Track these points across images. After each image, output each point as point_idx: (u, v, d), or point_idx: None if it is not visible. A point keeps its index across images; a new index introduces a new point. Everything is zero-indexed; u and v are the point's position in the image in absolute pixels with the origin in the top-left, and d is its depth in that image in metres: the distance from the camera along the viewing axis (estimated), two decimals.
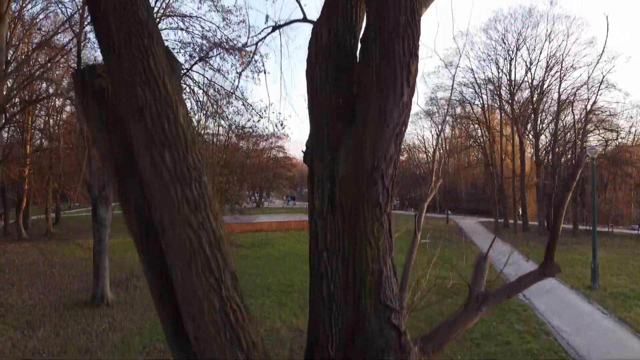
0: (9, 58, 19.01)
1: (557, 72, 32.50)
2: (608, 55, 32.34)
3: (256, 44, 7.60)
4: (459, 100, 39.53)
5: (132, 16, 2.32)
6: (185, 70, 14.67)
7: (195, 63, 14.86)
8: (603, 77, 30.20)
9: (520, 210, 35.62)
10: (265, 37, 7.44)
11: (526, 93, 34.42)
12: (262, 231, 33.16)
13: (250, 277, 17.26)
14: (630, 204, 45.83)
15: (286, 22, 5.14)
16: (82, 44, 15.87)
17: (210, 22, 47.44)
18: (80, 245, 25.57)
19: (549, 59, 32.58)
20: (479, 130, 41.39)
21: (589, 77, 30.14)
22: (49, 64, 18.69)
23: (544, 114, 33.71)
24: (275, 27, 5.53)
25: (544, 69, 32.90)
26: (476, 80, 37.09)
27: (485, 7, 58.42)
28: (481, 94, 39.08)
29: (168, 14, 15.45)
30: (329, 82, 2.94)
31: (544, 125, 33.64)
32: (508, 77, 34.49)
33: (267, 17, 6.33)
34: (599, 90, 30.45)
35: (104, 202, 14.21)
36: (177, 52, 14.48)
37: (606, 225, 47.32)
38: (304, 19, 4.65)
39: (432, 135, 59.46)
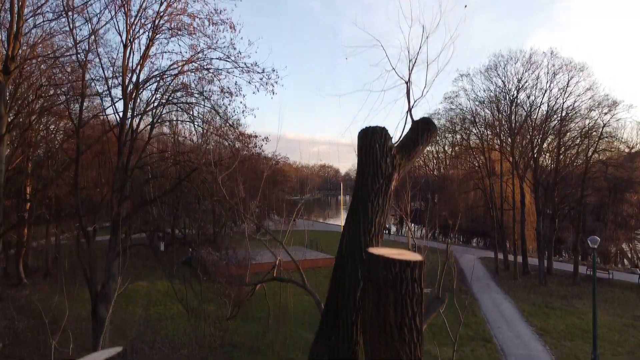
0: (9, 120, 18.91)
1: (556, 119, 32.53)
2: (609, 101, 32.11)
3: None
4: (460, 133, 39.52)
5: None
6: None
7: None
8: (602, 129, 30.26)
9: (520, 255, 35.60)
10: None
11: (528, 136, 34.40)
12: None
13: None
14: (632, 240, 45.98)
15: None
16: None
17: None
18: (81, 297, 25.51)
19: (549, 109, 32.69)
20: (478, 161, 41.51)
21: (588, 130, 30.21)
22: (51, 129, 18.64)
23: (545, 155, 33.83)
24: None
25: (543, 119, 32.94)
26: (475, 121, 37.17)
27: (485, 51, 58.31)
28: (480, 135, 39.13)
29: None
30: None
31: (544, 175, 33.63)
32: (508, 121, 34.48)
33: None
34: (597, 142, 30.51)
35: (104, 300, 14.13)
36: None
37: (606, 262, 47.67)
38: None
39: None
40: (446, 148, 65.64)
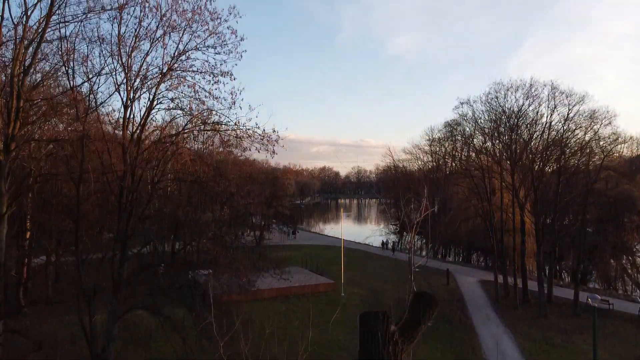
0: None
1: (557, 152, 32.50)
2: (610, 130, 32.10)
3: None
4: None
5: None
6: None
7: None
8: (602, 162, 30.21)
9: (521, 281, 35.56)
10: None
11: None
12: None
13: None
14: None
15: None
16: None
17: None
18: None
19: (549, 139, 32.66)
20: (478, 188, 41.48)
21: (588, 164, 30.21)
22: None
23: (546, 188, 33.75)
24: None
25: (544, 146, 32.93)
26: (475, 148, 37.19)
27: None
28: (480, 164, 39.09)
29: None
30: None
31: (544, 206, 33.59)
32: (508, 150, 34.43)
33: None
34: (598, 174, 30.48)
35: None
36: None
37: (607, 283, 47.60)
38: None
39: None
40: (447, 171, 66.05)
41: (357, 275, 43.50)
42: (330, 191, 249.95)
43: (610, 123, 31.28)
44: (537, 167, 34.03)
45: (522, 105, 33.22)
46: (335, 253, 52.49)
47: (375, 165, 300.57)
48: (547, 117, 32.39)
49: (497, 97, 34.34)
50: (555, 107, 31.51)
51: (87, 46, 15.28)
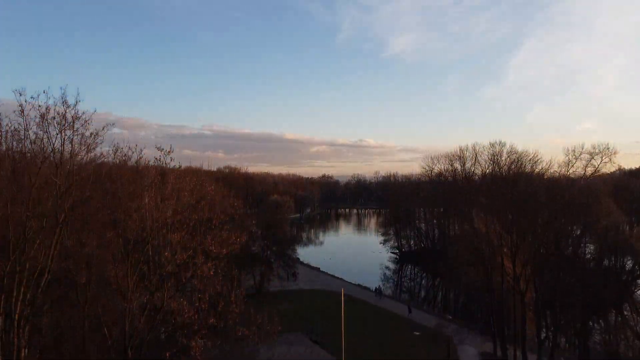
0: None
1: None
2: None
3: None
4: None
5: None
6: None
7: None
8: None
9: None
10: None
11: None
12: None
13: None
14: None
15: None
16: None
17: None
18: None
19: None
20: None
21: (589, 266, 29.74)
22: None
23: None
24: None
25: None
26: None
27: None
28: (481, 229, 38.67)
29: None
30: None
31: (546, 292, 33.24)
32: (511, 236, 34.09)
33: None
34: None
35: None
36: None
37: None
38: None
39: None
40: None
41: (357, 339, 42.79)
42: (330, 199, 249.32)
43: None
44: (539, 253, 33.66)
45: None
46: (335, 301, 52.01)
47: (375, 172, 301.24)
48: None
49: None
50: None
51: None
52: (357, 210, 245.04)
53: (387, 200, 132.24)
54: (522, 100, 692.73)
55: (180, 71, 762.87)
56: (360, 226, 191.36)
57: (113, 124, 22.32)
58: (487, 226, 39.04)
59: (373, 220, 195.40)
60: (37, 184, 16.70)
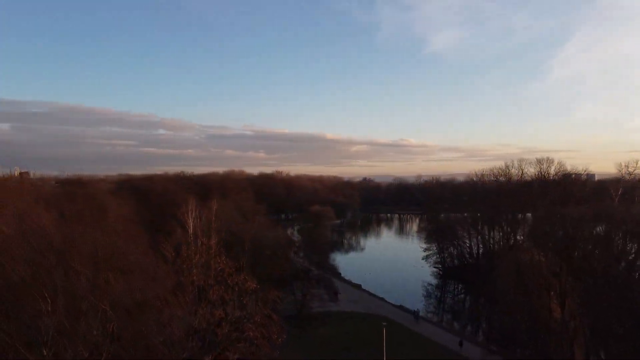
0: None
1: None
2: None
3: None
4: None
5: None
6: None
7: None
8: None
9: None
10: None
11: None
12: None
13: None
14: None
15: None
16: None
17: None
18: None
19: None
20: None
21: None
22: None
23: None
24: None
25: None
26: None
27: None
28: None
29: None
30: None
31: None
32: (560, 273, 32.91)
33: None
34: None
35: None
36: None
37: None
38: None
39: None
40: None
41: None
42: (371, 203, 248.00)
43: None
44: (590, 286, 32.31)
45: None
46: (376, 327, 51.87)
47: (417, 176, 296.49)
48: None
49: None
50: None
51: None
52: (399, 214, 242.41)
53: (428, 205, 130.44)
54: (568, 96, 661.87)
55: (220, 72, 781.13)
56: (401, 232, 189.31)
57: None
58: (535, 258, 37.92)
59: (415, 226, 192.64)
60: None
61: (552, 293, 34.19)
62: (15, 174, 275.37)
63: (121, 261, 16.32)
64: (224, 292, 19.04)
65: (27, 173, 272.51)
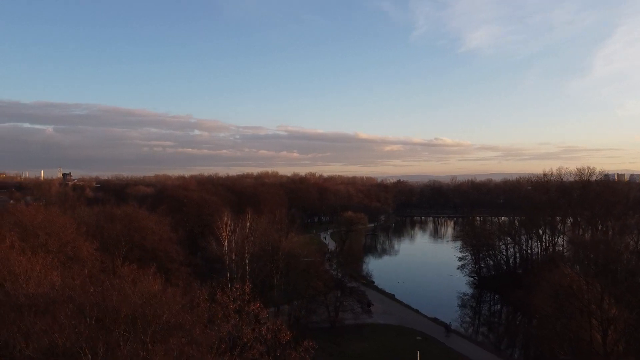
0: None
1: None
2: None
3: None
4: None
5: None
6: None
7: None
8: None
9: None
10: None
11: None
12: None
13: None
14: None
15: None
16: None
17: None
18: None
19: None
20: None
21: None
22: None
23: None
24: None
25: None
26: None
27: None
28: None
29: None
30: None
31: None
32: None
33: None
34: None
35: None
36: None
37: None
38: None
39: None
40: None
41: None
42: (405, 206, 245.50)
43: None
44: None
45: None
46: (410, 342, 51.60)
47: (452, 178, 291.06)
48: None
49: None
50: None
51: None
52: (433, 218, 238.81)
53: (463, 211, 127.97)
54: (611, 94, 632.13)
55: (255, 73, 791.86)
56: (436, 236, 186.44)
57: None
58: (575, 282, 36.53)
59: (449, 230, 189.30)
60: None
61: (594, 320, 32.88)
62: (59, 175, 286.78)
63: (159, 323, 16.65)
64: (259, 345, 19.30)
65: (69, 174, 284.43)
